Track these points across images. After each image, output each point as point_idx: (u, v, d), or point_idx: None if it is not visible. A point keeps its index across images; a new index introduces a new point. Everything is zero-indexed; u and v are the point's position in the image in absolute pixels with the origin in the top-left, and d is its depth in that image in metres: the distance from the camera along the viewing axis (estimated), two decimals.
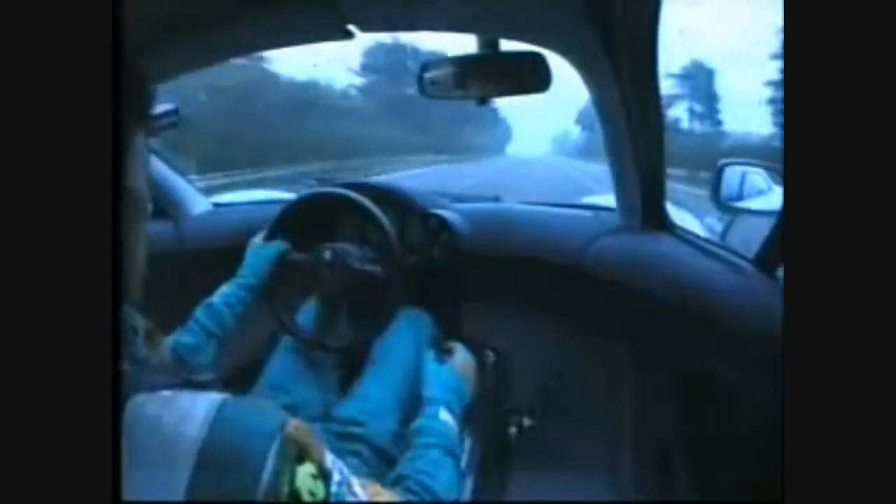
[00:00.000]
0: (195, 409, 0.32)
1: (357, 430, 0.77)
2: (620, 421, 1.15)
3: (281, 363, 0.92)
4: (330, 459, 0.36)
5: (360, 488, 0.38)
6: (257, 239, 0.93)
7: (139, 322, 0.53)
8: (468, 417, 1.09)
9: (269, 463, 0.31)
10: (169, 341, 0.75)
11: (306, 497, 0.33)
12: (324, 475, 0.35)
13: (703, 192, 1.09)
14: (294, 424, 0.35)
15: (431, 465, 0.59)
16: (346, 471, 0.37)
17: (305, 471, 0.33)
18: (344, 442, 0.75)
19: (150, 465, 0.30)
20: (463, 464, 0.94)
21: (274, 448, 0.32)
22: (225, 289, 0.83)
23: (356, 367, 0.90)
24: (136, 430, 0.30)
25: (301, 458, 0.33)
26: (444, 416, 0.65)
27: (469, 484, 0.87)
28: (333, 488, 0.35)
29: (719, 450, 0.88)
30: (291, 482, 0.32)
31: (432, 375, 0.71)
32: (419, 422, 0.65)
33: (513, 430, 1.14)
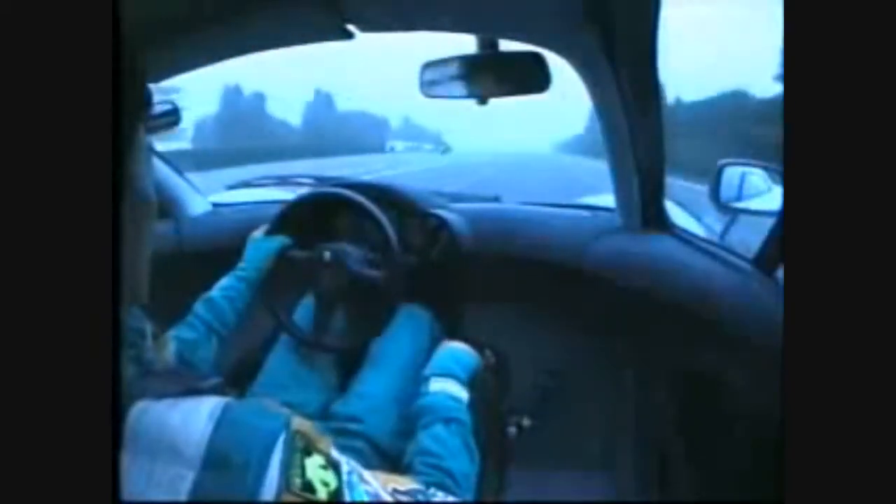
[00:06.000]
0: (200, 411, 0.32)
1: (356, 426, 0.77)
2: (620, 421, 1.15)
3: (279, 362, 0.92)
4: (335, 451, 0.36)
5: (370, 477, 0.38)
6: (258, 233, 0.93)
7: (147, 326, 0.52)
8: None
9: (277, 457, 0.31)
10: (170, 337, 0.74)
11: (320, 487, 0.33)
12: (333, 465, 0.35)
13: (704, 192, 1.09)
14: (298, 419, 0.35)
15: (433, 440, 0.60)
16: (352, 462, 0.37)
17: (314, 462, 0.33)
18: (343, 439, 0.75)
19: (154, 466, 0.30)
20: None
21: (280, 443, 0.32)
22: (225, 282, 0.83)
23: (354, 366, 0.90)
24: (140, 433, 0.30)
25: (308, 450, 0.33)
26: (436, 386, 0.67)
27: None
28: (345, 477, 0.35)
29: (719, 450, 0.88)
30: (302, 474, 0.32)
31: (433, 356, 0.73)
32: (414, 404, 0.66)
33: (513, 430, 1.13)
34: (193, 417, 0.31)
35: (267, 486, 0.30)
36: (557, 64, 0.78)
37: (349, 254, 0.91)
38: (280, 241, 0.90)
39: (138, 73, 0.34)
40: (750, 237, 0.95)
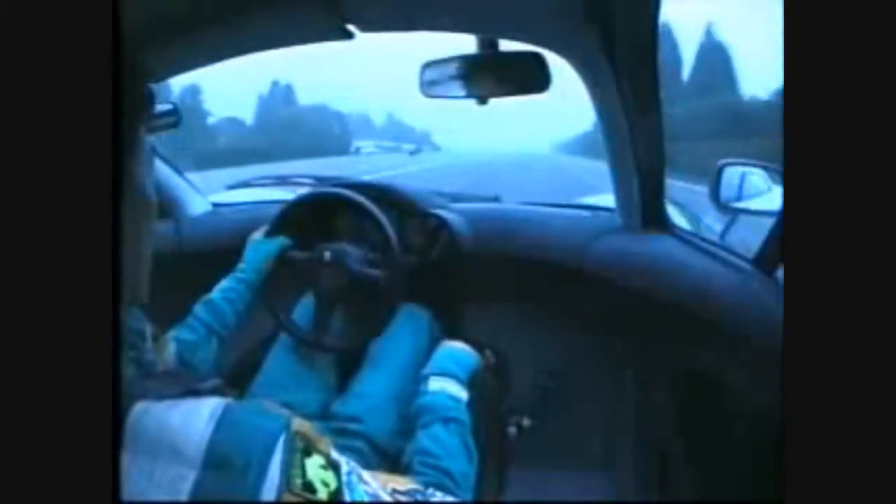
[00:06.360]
0: (200, 412, 0.32)
1: (356, 426, 0.78)
2: (620, 421, 1.15)
3: (278, 362, 0.92)
4: (335, 452, 0.37)
5: (369, 478, 0.39)
6: (257, 234, 0.93)
7: (147, 327, 0.53)
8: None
9: (278, 458, 0.32)
10: (170, 338, 0.74)
11: (320, 487, 0.33)
12: (333, 465, 0.35)
13: (704, 192, 1.09)
14: (298, 420, 0.35)
15: (432, 440, 0.60)
16: (352, 462, 0.38)
17: (314, 462, 0.34)
18: (343, 439, 0.76)
19: (155, 466, 0.30)
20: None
21: (280, 444, 0.32)
22: (225, 284, 0.83)
23: (354, 366, 0.90)
24: (140, 434, 0.30)
25: (308, 451, 0.34)
26: (435, 385, 0.67)
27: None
28: (344, 477, 0.35)
29: (719, 450, 0.88)
30: (303, 475, 0.32)
31: (433, 355, 0.74)
32: (414, 403, 0.67)
33: (513, 430, 1.13)
34: (194, 418, 0.31)
35: (267, 486, 0.30)
36: (557, 64, 0.78)
37: (349, 254, 0.91)
38: (280, 241, 0.90)
39: (138, 73, 0.34)
40: (750, 237, 0.95)
